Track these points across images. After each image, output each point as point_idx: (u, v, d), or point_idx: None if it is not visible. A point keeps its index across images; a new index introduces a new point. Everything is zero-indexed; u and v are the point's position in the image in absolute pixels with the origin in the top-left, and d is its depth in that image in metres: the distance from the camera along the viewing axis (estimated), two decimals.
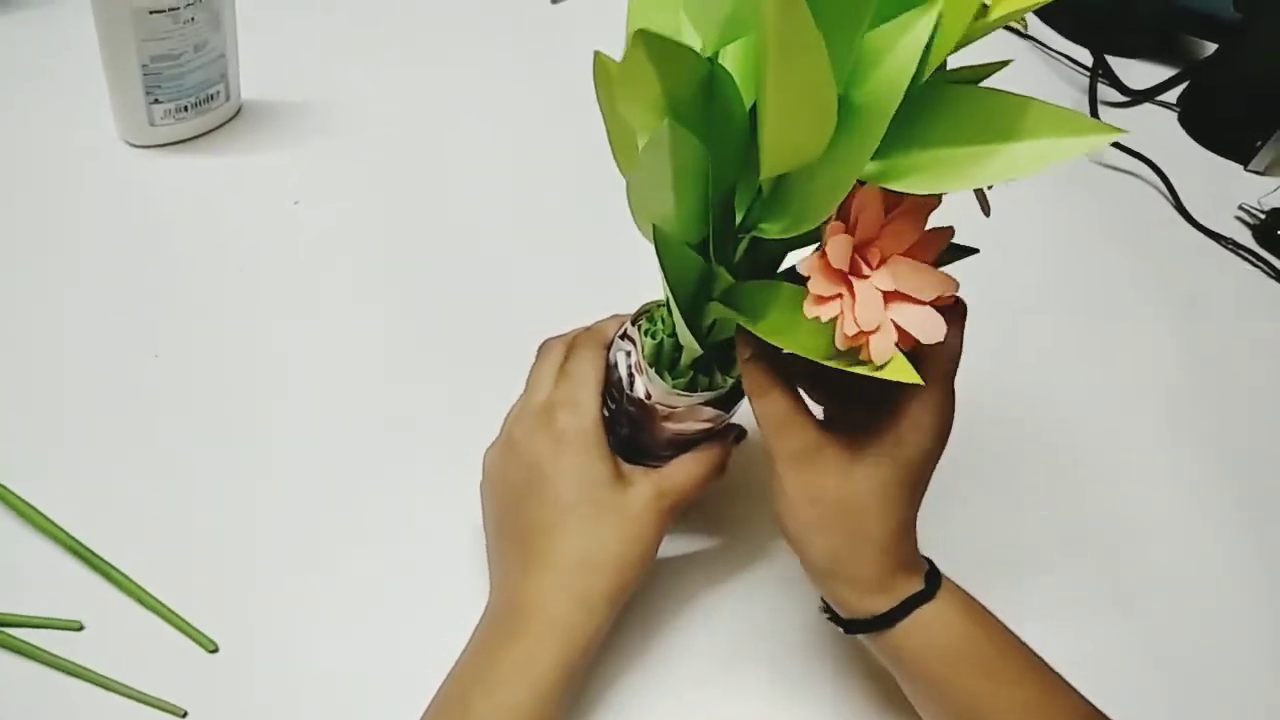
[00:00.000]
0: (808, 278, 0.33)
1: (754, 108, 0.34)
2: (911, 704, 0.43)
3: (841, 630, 0.43)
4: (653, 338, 0.44)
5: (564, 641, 0.42)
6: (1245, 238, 0.80)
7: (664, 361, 0.44)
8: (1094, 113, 0.87)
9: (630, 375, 0.44)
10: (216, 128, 0.67)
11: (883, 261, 0.34)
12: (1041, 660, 0.41)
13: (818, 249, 0.34)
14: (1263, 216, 0.81)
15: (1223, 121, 0.89)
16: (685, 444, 0.46)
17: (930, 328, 0.33)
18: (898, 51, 0.30)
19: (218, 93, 0.65)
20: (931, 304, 0.34)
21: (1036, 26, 0.96)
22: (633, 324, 0.45)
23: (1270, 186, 0.84)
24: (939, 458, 0.40)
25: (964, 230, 0.37)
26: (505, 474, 0.46)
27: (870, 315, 0.33)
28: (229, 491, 0.51)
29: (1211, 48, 0.93)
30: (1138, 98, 0.90)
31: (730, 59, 0.34)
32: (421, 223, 0.66)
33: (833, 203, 0.32)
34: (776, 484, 0.40)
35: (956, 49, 0.33)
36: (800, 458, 0.39)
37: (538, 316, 0.51)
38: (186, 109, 0.64)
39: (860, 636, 0.42)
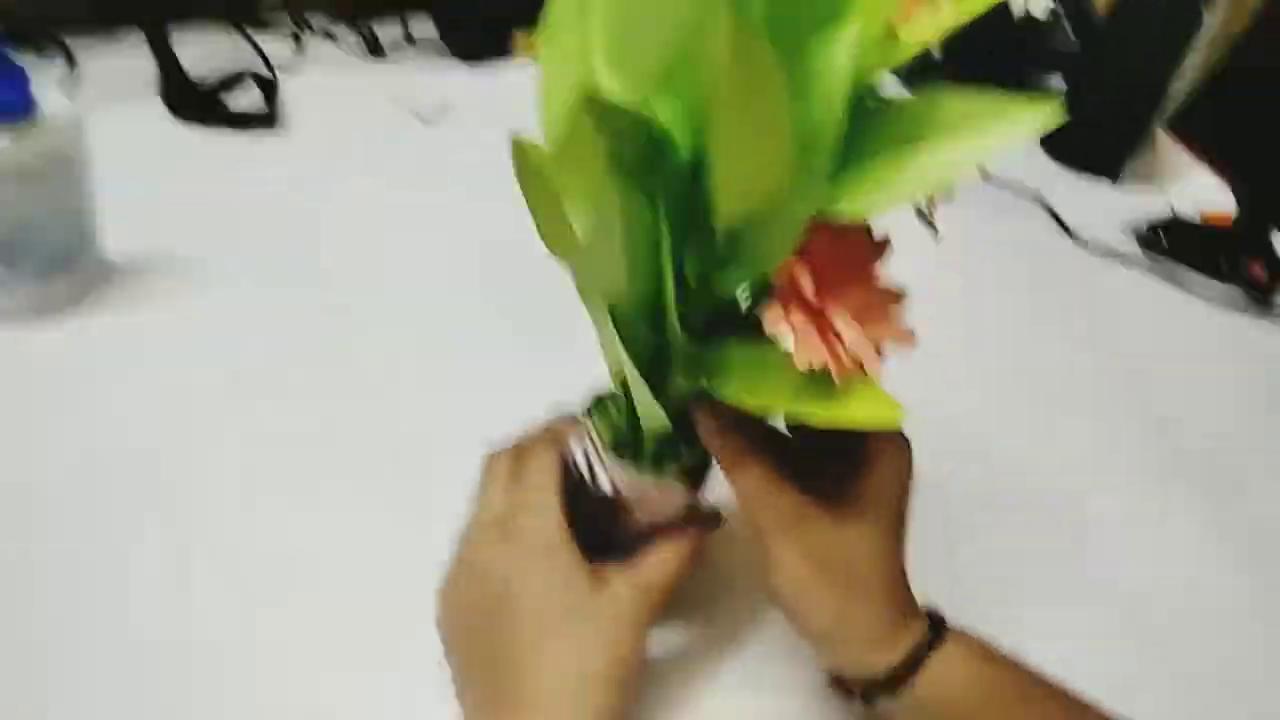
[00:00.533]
0: (781, 328, 0.31)
1: (694, 159, 0.32)
2: None
3: (860, 700, 0.40)
4: (609, 425, 0.41)
5: None
6: (1132, 247, 0.84)
7: (625, 446, 0.41)
8: None
9: (590, 469, 0.41)
10: (83, 292, 0.62)
11: (840, 288, 0.33)
12: (1066, 687, 0.39)
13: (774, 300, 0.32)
14: (1146, 231, 0.84)
15: (1089, 144, 0.93)
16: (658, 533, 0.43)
17: (903, 334, 0.33)
18: (828, 74, 0.29)
19: (79, 256, 0.60)
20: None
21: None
22: (585, 415, 0.42)
23: (1145, 196, 0.89)
24: (911, 501, 0.40)
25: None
26: (465, 600, 0.41)
27: (856, 338, 0.32)
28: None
29: (1054, 80, 0.98)
30: None
31: (660, 111, 0.32)
32: (319, 350, 0.62)
33: (793, 239, 0.31)
34: (765, 554, 0.38)
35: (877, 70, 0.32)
36: (787, 524, 0.38)
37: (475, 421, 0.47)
38: (46, 275, 0.59)
39: (879, 701, 0.39)
